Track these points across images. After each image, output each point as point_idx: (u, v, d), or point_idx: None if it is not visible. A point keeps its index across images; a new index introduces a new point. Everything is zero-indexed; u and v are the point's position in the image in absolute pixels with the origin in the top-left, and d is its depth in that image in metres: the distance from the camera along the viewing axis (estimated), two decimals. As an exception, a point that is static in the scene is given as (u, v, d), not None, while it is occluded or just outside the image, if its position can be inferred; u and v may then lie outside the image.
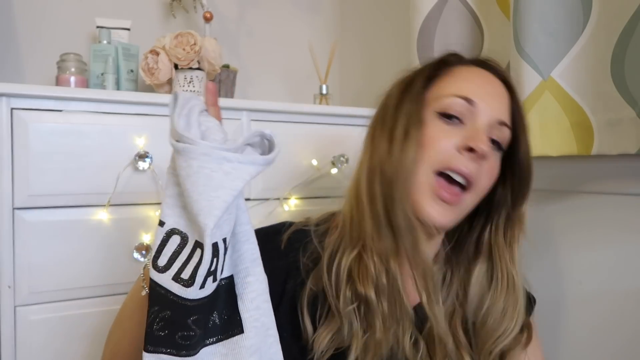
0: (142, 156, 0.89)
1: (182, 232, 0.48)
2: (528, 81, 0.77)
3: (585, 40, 0.75)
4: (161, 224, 0.49)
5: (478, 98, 0.62)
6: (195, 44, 1.03)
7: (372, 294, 0.59)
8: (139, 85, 1.13)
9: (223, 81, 1.17)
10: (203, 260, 0.46)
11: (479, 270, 0.66)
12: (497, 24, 0.93)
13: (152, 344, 0.47)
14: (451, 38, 0.97)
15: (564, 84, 0.76)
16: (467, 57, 0.69)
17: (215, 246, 0.47)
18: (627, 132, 0.70)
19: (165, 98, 0.95)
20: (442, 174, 0.60)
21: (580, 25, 0.75)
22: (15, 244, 0.82)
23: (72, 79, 1.02)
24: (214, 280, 0.48)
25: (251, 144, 0.53)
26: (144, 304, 0.50)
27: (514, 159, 0.65)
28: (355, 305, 0.60)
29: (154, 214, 0.92)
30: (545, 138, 0.77)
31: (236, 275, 0.52)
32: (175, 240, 0.48)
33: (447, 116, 0.62)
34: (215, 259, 0.47)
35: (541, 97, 0.77)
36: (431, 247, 0.68)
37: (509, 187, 0.67)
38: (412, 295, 0.64)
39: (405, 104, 0.63)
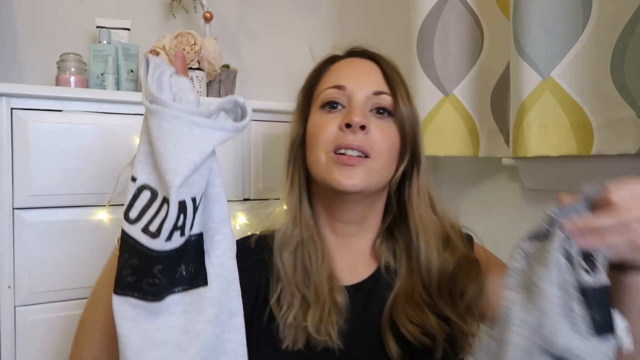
0: (142, 156, 0.89)
1: (152, 187, 0.52)
2: (528, 81, 0.77)
3: (585, 40, 0.75)
4: (133, 179, 0.52)
5: (347, 81, 0.71)
6: (195, 44, 1.03)
7: (299, 282, 0.68)
8: (138, 85, 1.13)
9: (223, 81, 1.17)
10: (168, 216, 0.49)
11: (408, 224, 0.73)
12: (497, 24, 0.93)
13: (120, 288, 0.51)
14: (451, 38, 0.97)
15: (564, 84, 0.76)
16: (339, 55, 0.79)
17: (182, 204, 0.50)
18: (627, 132, 0.70)
19: (165, 98, 0.95)
20: (338, 152, 0.68)
21: (580, 25, 0.75)
22: (15, 244, 0.82)
23: (72, 79, 1.02)
24: (182, 235, 0.52)
25: (225, 110, 0.55)
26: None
27: (397, 119, 0.72)
28: (297, 295, 0.68)
29: (154, 214, 0.92)
30: (545, 138, 0.77)
31: (205, 233, 0.56)
32: (145, 195, 0.51)
33: (327, 106, 0.71)
34: (182, 215, 0.51)
35: (541, 97, 0.77)
36: (369, 225, 0.75)
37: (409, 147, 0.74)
38: (356, 273, 0.73)
39: (295, 119, 0.76)
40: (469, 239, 0.78)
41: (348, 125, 0.67)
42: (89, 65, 1.08)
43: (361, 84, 0.71)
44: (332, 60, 0.78)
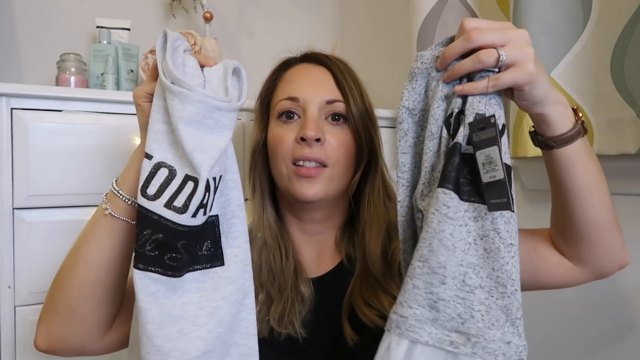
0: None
1: (169, 165, 0.53)
2: (528, 81, 0.77)
3: (585, 40, 0.75)
4: (148, 157, 0.53)
5: (299, 93, 0.73)
6: (195, 44, 1.03)
7: (265, 280, 0.72)
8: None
9: (223, 81, 1.17)
10: (197, 192, 0.52)
11: (361, 217, 0.76)
12: (497, 24, 0.93)
13: (142, 262, 0.52)
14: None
15: (564, 84, 0.76)
16: (293, 58, 0.81)
17: (208, 182, 0.53)
18: (627, 132, 0.70)
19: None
20: (297, 164, 0.72)
21: (580, 25, 0.75)
22: (15, 244, 0.82)
23: (72, 79, 1.02)
24: (204, 213, 0.54)
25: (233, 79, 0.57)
26: (109, 224, 0.58)
27: (350, 124, 0.74)
28: (261, 293, 0.72)
29: (154, 214, 0.92)
30: (545, 138, 0.77)
31: (222, 216, 0.58)
32: (163, 172, 0.53)
33: (283, 116, 0.74)
34: (207, 194, 0.53)
35: (541, 97, 0.77)
36: (333, 222, 0.78)
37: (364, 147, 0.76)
38: (322, 265, 0.76)
39: (255, 126, 0.78)
40: None
41: (303, 139, 0.70)
42: (89, 65, 1.08)
43: (313, 94, 0.73)
44: (285, 65, 0.80)
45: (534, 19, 0.76)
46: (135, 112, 0.91)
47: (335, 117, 0.73)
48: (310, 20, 1.52)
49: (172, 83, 0.52)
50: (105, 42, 1.09)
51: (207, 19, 1.19)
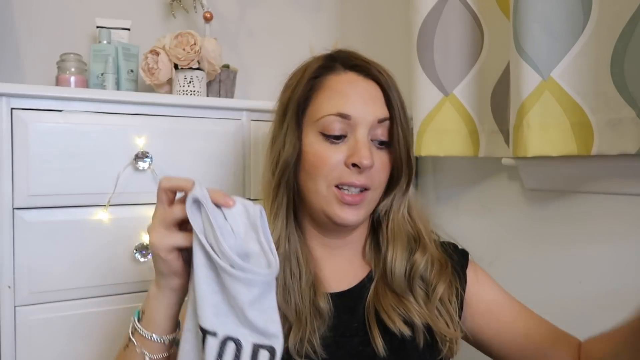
0: (142, 156, 0.90)
1: (234, 337, 0.51)
2: (528, 81, 0.77)
3: (585, 40, 0.75)
4: (211, 333, 0.50)
5: (352, 110, 0.67)
6: (195, 44, 1.03)
7: (281, 301, 0.65)
8: (139, 85, 1.13)
9: (223, 81, 1.17)
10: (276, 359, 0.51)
11: (382, 233, 0.74)
12: (497, 24, 0.93)
13: None
14: (451, 38, 0.97)
15: (564, 84, 0.76)
16: (336, 60, 0.73)
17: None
18: (627, 132, 0.70)
19: (165, 98, 0.95)
20: (340, 187, 0.68)
21: (580, 25, 0.75)
22: (15, 244, 0.82)
23: (72, 79, 1.02)
24: None
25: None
26: None
27: (392, 147, 0.71)
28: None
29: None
30: (545, 138, 0.77)
31: None
32: (231, 347, 0.51)
33: (329, 133, 0.68)
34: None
35: (541, 97, 0.77)
36: (357, 236, 0.76)
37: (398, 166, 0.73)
38: (344, 280, 0.73)
39: (288, 133, 0.70)
40: (463, 254, 0.78)
41: (355, 165, 0.66)
42: (89, 65, 1.08)
43: (367, 113, 0.68)
44: (327, 67, 0.72)
45: (534, 19, 0.76)
46: (135, 112, 0.91)
47: (381, 141, 0.70)
48: (310, 20, 1.52)
49: (231, 266, 0.50)
50: (105, 42, 1.09)
51: (207, 19, 1.19)
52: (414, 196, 0.76)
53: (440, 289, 0.70)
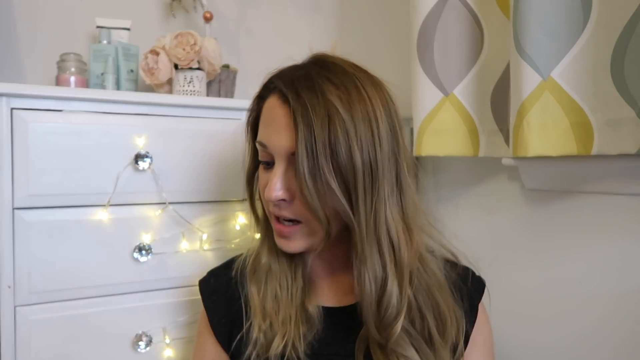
0: (142, 156, 0.89)
1: None
2: (528, 81, 0.77)
3: (585, 40, 0.75)
4: None
5: (267, 140, 0.64)
6: (195, 44, 1.03)
7: (269, 310, 0.68)
8: (139, 85, 1.13)
9: (223, 81, 1.17)
10: None
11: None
12: (497, 24, 0.93)
13: None
14: (451, 38, 0.97)
15: (564, 84, 0.76)
16: (272, 84, 0.67)
17: None
18: (627, 132, 0.70)
19: (165, 98, 0.95)
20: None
21: (580, 25, 0.75)
22: (15, 244, 0.82)
23: (72, 79, 1.02)
24: None
25: None
26: None
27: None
28: (263, 326, 0.68)
29: (153, 214, 0.92)
30: (545, 138, 0.77)
31: None
32: None
33: (263, 162, 0.67)
34: None
35: (541, 97, 0.77)
36: (346, 249, 0.67)
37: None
38: (343, 295, 0.71)
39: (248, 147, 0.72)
40: (479, 284, 0.74)
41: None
42: (89, 65, 1.08)
43: (277, 144, 0.62)
44: (267, 88, 0.68)
45: (534, 19, 0.76)
46: (135, 112, 0.91)
47: None
48: (310, 20, 1.52)
49: None
50: (105, 42, 1.09)
51: (207, 19, 1.19)
52: (412, 201, 0.67)
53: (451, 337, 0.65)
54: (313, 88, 0.61)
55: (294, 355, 0.64)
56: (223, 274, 0.77)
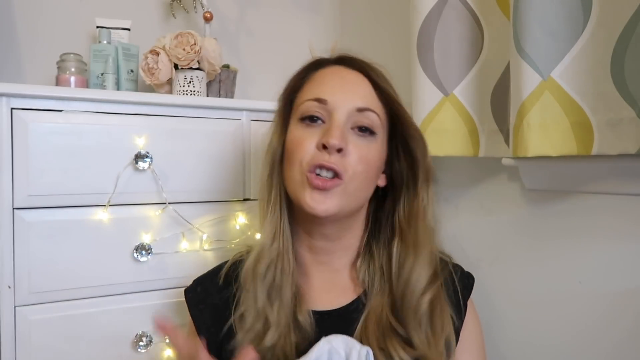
0: (142, 156, 0.90)
1: None
2: (528, 81, 0.77)
3: (585, 40, 0.75)
4: None
5: (329, 95, 0.67)
6: (195, 44, 1.03)
7: (265, 300, 0.67)
8: (139, 85, 1.13)
9: (223, 81, 1.17)
10: None
11: (396, 247, 0.71)
12: (497, 24, 0.93)
13: None
14: (451, 38, 0.97)
15: (564, 84, 0.76)
16: (327, 59, 0.75)
17: None
18: (627, 132, 0.70)
19: (165, 98, 0.95)
20: (313, 171, 0.66)
21: (580, 25, 0.75)
22: (15, 244, 0.82)
23: (72, 79, 1.02)
24: None
25: None
26: None
27: (398, 138, 0.69)
28: (260, 318, 0.67)
29: (154, 213, 0.92)
30: (545, 138, 0.77)
31: None
32: None
33: (306, 119, 0.68)
34: None
35: (541, 97, 0.77)
36: (347, 244, 0.72)
37: (404, 164, 0.72)
38: (333, 297, 0.70)
39: (276, 129, 0.73)
40: (468, 280, 0.75)
41: (325, 146, 0.65)
42: (89, 65, 1.08)
43: (344, 99, 0.67)
44: (317, 65, 0.74)
45: (534, 19, 0.76)
46: (135, 112, 0.91)
47: (363, 128, 0.67)
48: (310, 20, 1.52)
49: None
50: (105, 42, 1.09)
51: (207, 19, 1.19)
52: (429, 210, 0.72)
53: (447, 328, 0.67)
54: (373, 62, 0.72)
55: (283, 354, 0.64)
56: (210, 282, 0.76)
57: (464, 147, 0.98)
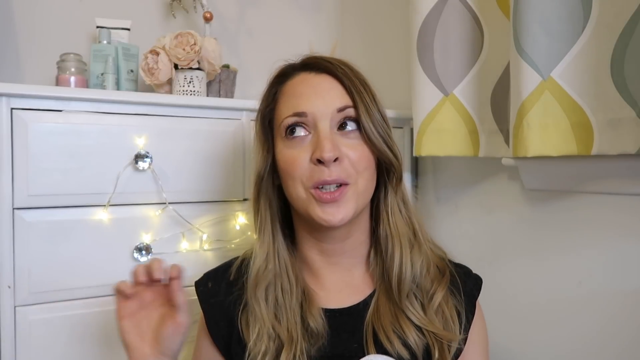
0: (142, 156, 0.90)
1: None
2: (528, 81, 0.77)
3: (585, 40, 0.75)
4: None
5: (306, 107, 0.66)
6: (195, 44, 1.03)
7: (272, 319, 0.68)
8: (139, 85, 1.13)
9: (223, 81, 1.17)
10: None
11: (382, 232, 0.72)
12: (497, 24, 0.93)
13: None
14: (451, 38, 0.97)
15: (564, 84, 0.76)
16: (291, 66, 0.73)
17: None
18: (627, 132, 0.70)
19: (165, 98, 0.95)
20: (317, 187, 0.65)
21: (580, 25, 0.75)
22: (15, 244, 0.82)
23: (72, 79, 1.02)
24: None
25: None
26: None
27: (363, 131, 0.68)
28: (272, 336, 0.67)
29: (154, 213, 0.92)
30: (545, 138, 0.77)
31: None
32: None
33: (289, 133, 0.67)
34: None
35: (541, 97, 0.77)
36: (356, 242, 0.73)
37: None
38: (346, 295, 0.71)
39: (258, 146, 0.72)
40: (477, 280, 0.76)
41: (320, 161, 0.64)
42: (89, 65, 1.08)
43: (322, 106, 0.66)
44: (283, 77, 0.73)
45: (534, 19, 0.76)
46: (135, 112, 0.91)
47: (345, 124, 0.67)
48: (310, 20, 1.52)
49: None
50: (105, 42, 1.09)
51: (207, 19, 1.19)
52: (407, 195, 0.74)
53: (438, 297, 0.68)
54: (336, 59, 0.70)
55: None
56: (221, 278, 0.76)
57: (464, 147, 0.98)
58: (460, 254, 0.83)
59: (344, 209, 0.65)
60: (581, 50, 0.75)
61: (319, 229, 0.70)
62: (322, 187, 0.65)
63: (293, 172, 0.66)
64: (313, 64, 0.71)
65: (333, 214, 0.64)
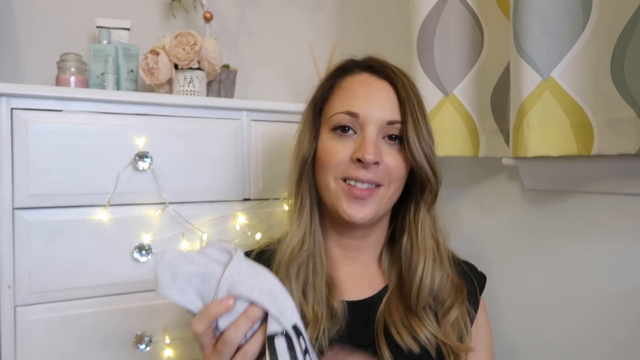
0: (142, 156, 0.90)
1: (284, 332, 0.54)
2: (528, 81, 0.77)
3: (585, 40, 0.75)
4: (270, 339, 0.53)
5: (360, 109, 0.69)
6: (195, 44, 1.03)
7: (300, 298, 0.69)
8: (139, 85, 1.13)
9: (223, 81, 1.17)
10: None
11: (405, 243, 0.75)
12: (497, 24, 0.93)
13: None
14: (451, 38, 0.97)
15: (564, 84, 0.76)
16: (355, 63, 0.75)
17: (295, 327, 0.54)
18: (627, 132, 0.70)
19: (165, 98, 0.95)
20: (348, 182, 0.69)
21: (580, 25, 0.75)
22: (15, 244, 0.82)
23: (72, 79, 1.02)
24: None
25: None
26: None
27: (406, 146, 0.71)
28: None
29: (154, 213, 0.92)
30: (545, 138, 0.77)
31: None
32: (281, 342, 0.53)
33: (338, 129, 0.70)
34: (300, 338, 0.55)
35: (541, 97, 0.77)
36: (374, 241, 0.76)
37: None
38: (360, 288, 0.73)
39: (306, 132, 0.74)
40: (482, 278, 0.79)
41: (359, 160, 0.67)
42: (89, 65, 1.08)
43: (375, 112, 0.69)
44: (344, 70, 0.75)
45: (534, 19, 0.76)
46: (135, 112, 0.91)
47: (392, 137, 0.70)
48: (310, 20, 1.52)
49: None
50: (105, 42, 1.09)
51: (207, 19, 1.19)
52: (437, 214, 0.77)
53: (455, 312, 0.70)
54: (400, 70, 0.73)
55: (318, 350, 0.65)
56: (257, 259, 0.76)
57: (464, 147, 0.98)
58: (461, 254, 0.83)
59: (368, 208, 0.68)
60: (581, 50, 0.75)
61: (342, 223, 0.72)
62: (353, 184, 0.68)
63: (330, 163, 0.69)
64: (377, 68, 0.73)
65: (357, 210, 0.68)
